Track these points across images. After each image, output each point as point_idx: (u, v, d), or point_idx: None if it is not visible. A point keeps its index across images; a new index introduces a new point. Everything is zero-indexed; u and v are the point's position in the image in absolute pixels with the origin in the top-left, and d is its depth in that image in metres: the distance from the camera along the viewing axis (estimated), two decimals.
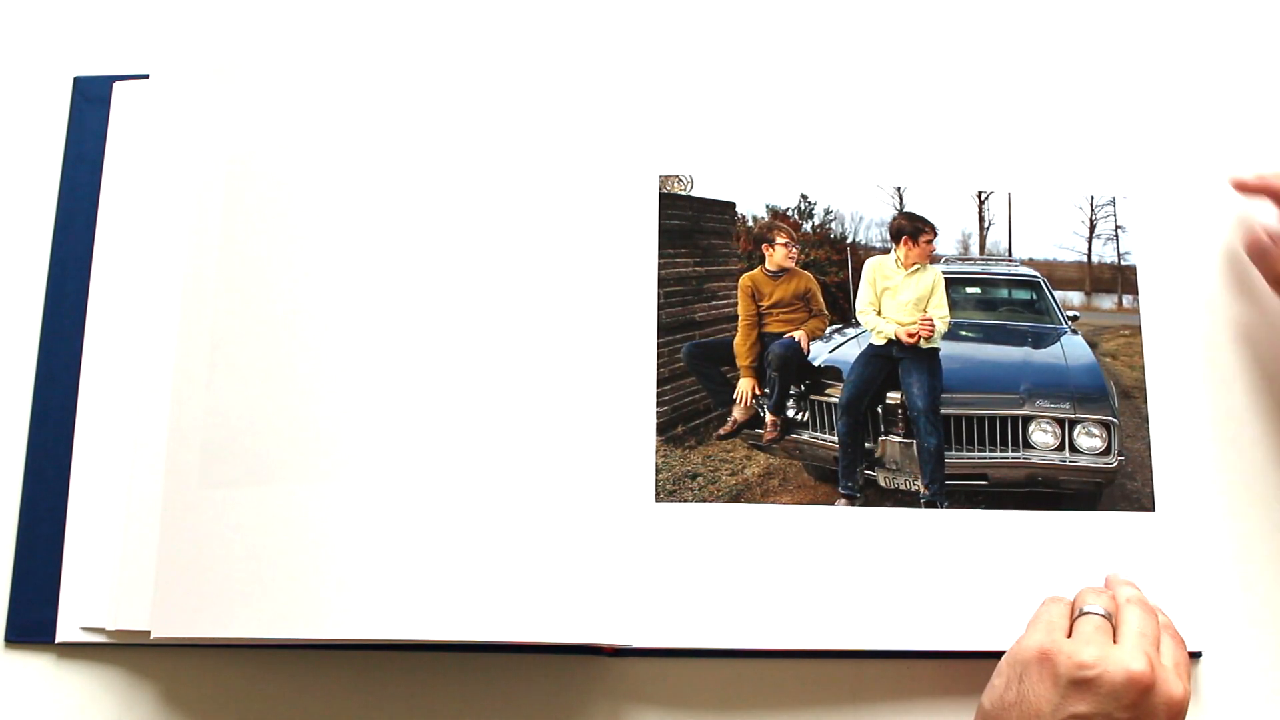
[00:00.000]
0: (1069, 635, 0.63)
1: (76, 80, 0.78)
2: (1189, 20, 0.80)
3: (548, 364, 0.68)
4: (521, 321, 0.69)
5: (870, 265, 0.74)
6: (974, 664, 0.68)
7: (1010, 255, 0.75)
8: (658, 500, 0.70)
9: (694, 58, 0.79)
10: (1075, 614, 0.64)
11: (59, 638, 0.70)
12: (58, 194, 0.76)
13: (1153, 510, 0.71)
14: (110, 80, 0.77)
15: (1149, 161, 0.77)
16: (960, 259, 0.74)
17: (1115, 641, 0.62)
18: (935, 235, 0.74)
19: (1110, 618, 0.64)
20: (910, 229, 0.74)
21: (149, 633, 0.67)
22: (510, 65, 0.74)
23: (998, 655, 0.66)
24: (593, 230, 0.71)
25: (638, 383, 0.71)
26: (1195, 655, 0.70)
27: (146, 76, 0.77)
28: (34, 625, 0.70)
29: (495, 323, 0.69)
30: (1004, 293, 0.75)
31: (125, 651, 0.70)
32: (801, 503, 0.70)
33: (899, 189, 0.75)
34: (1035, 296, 0.75)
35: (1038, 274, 0.75)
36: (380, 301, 0.69)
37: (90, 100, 0.77)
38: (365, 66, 0.73)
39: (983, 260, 0.75)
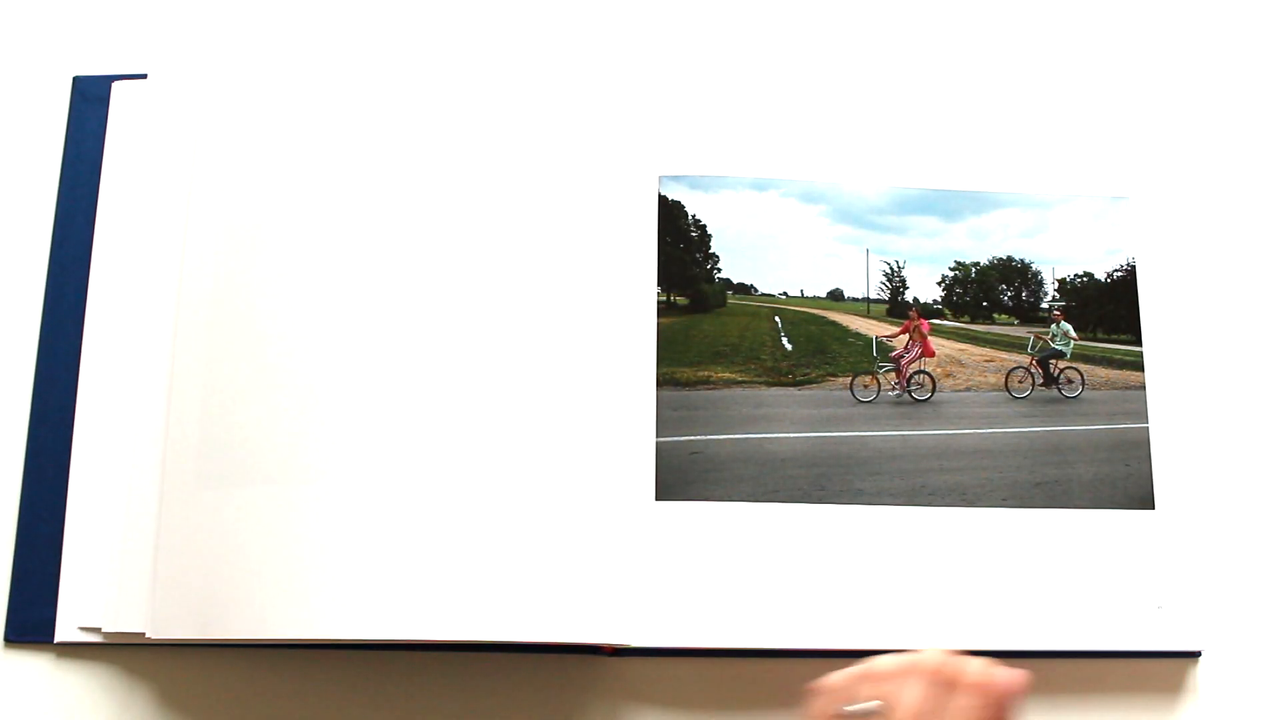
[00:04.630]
0: None
1: (76, 80, 0.78)
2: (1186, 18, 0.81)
3: (547, 364, 0.68)
4: (521, 322, 0.69)
5: None
6: None
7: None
8: (658, 499, 0.70)
9: (694, 57, 0.79)
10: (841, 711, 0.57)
11: (58, 637, 0.69)
12: (57, 193, 0.76)
13: (1153, 509, 0.71)
14: (109, 80, 0.77)
15: (1149, 163, 0.77)
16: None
17: None
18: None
19: (880, 710, 0.55)
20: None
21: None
22: (510, 67, 0.74)
23: (996, 655, 0.66)
24: (592, 230, 0.71)
25: (638, 382, 0.71)
26: (1195, 655, 0.70)
27: (145, 76, 0.77)
28: (33, 625, 0.70)
29: (494, 322, 0.68)
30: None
31: (124, 651, 0.70)
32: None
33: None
34: None
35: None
36: (379, 301, 0.69)
37: (89, 100, 0.77)
38: (364, 66, 0.73)
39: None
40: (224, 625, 0.65)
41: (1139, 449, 0.72)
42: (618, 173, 0.72)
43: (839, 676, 0.58)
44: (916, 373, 0.75)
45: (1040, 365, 0.75)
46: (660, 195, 0.74)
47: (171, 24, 0.80)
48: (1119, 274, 0.75)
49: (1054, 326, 0.75)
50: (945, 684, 0.56)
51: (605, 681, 0.69)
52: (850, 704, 0.56)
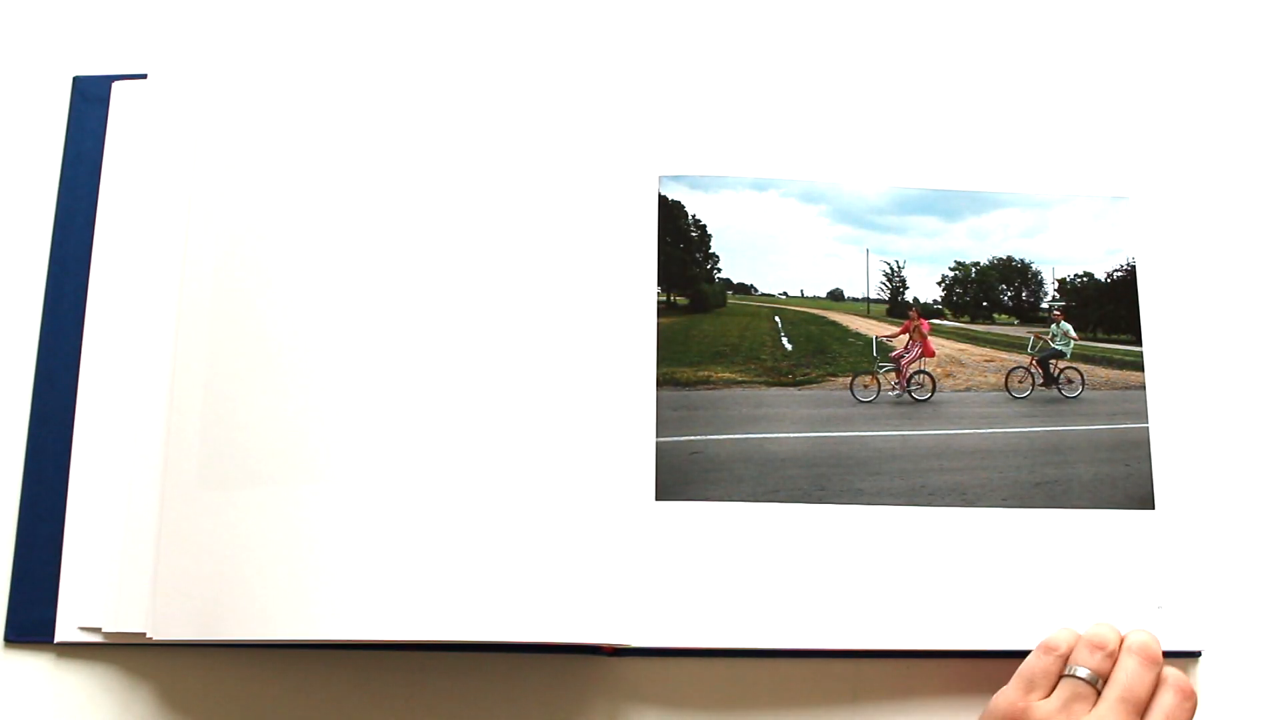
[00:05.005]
0: (1050, 692, 0.62)
1: (76, 80, 0.78)
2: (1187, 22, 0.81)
3: (547, 364, 0.68)
4: (521, 322, 0.69)
5: None
6: (974, 663, 0.68)
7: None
8: (658, 499, 0.70)
9: (694, 57, 0.79)
10: (1063, 672, 0.63)
11: (58, 637, 0.69)
12: (57, 193, 0.76)
13: (1153, 509, 0.71)
14: (109, 80, 0.77)
15: (1149, 163, 0.77)
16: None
17: (1096, 704, 0.61)
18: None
19: (1097, 680, 0.62)
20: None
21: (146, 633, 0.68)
22: (510, 67, 0.74)
23: (996, 655, 0.66)
24: (592, 231, 0.71)
25: (638, 382, 0.71)
26: (1195, 655, 0.70)
27: (145, 76, 0.77)
28: (33, 625, 0.70)
29: (494, 323, 0.69)
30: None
31: (124, 651, 0.70)
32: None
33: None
34: None
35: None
36: (379, 302, 0.69)
37: (89, 100, 0.77)
38: (364, 66, 0.73)
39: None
40: (226, 626, 0.65)
41: (1139, 449, 0.72)
42: (618, 173, 0.72)
43: (1065, 635, 0.64)
44: (916, 373, 0.75)
45: (1040, 365, 0.75)
46: (660, 195, 0.74)
47: (171, 24, 0.80)
48: (1119, 274, 0.75)
49: (1054, 326, 0.75)
50: (1156, 676, 0.62)
51: (605, 681, 0.69)
52: (1073, 667, 0.62)
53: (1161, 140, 0.78)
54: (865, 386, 0.74)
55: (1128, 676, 0.61)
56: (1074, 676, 0.62)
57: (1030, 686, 0.62)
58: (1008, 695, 0.62)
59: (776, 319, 0.75)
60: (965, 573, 0.69)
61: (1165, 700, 0.61)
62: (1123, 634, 0.64)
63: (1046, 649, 0.64)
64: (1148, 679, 0.62)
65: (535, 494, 0.66)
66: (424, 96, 0.72)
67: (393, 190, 0.71)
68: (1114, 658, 0.63)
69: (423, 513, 0.66)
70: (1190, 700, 0.62)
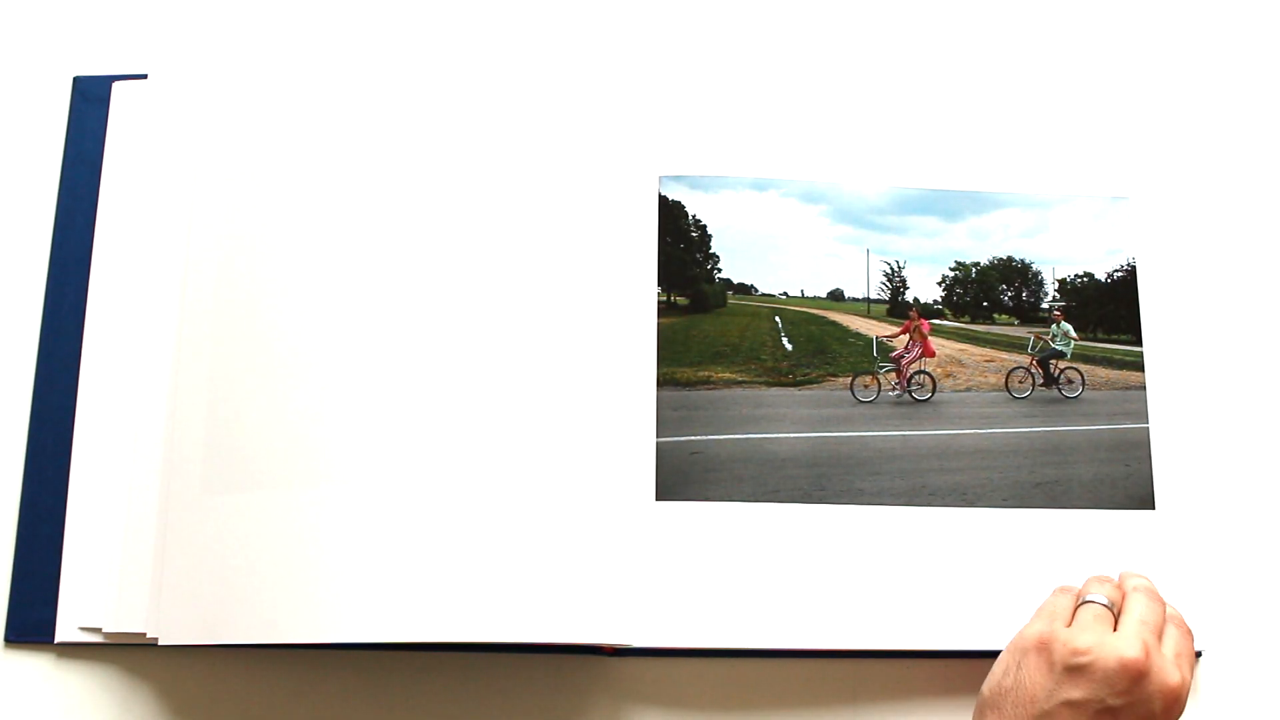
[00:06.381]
0: (1070, 624, 0.63)
1: (76, 80, 0.78)
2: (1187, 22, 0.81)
3: (547, 364, 0.68)
4: (521, 322, 0.69)
5: None
6: (974, 664, 0.68)
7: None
8: (658, 499, 0.70)
9: (694, 57, 0.79)
10: (1079, 603, 0.65)
11: (58, 638, 0.69)
12: (57, 194, 0.76)
13: (1153, 509, 0.71)
14: (110, 80, 0.77)
15: (1149, 163, 0.77)
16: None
17: (1115, 629, 0.62)
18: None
19: (1113, 607, 0.64)
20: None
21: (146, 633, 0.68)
22: (510, 67, 0.74)
23: (996, 655, 0.66)
24: (592, 231, 0.71)
25: (638, 382, 0.71)
26: (1195, 655, 0.69)
27: (145, 76, 0.77)
28: (34, 625, 0.70)
29: (495, 323, 0.68)
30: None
31: (124, 651, 0.70)
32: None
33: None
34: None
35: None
36: (380, 303, 0.69)
37: (90, 100, 0.77)
38: (364, 66, 0.73)
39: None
40: (231, 630, 0.65)
41: (1139, 449, 0.72)
42: (618, 173, 0.72)
43: (1074, 582, 0.67)
44: (917, 373, 0.75)
45: (1040, 365, 0.75)
46: (660, 195, 0.74)
47: (171, 24, 0.80)
48: (1119, 274, 0.75)
49: (1054, 326, 0.75)
50: (1165, 613, 0.64)
51: (605, 681, 0.69)
52: (1088, 596, 0.65)
53: (1161, 140, 0.78)
54: (865, 386, 0.74)
55: (1142, 607, 0.64)
56: (1092, 603, 0.64)
57: (1053, 618, 0.64)
58: (1034, 626, 0.64)
59: (777, 319, 0.75)
60: (965, 573, 0.69)
61: (1172, 633, 0.64)
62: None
63: (1061, 590, 0.66)
64: (1159, 610, 0.64)
65: (536, 495, 0.66)
66: (425, 97, 0.72)
67: (394, 191, 0.71)
68: (1121, 591, 0.65)
69: (424, 514, 0.65)
70: (1190, 638, 0.64)
